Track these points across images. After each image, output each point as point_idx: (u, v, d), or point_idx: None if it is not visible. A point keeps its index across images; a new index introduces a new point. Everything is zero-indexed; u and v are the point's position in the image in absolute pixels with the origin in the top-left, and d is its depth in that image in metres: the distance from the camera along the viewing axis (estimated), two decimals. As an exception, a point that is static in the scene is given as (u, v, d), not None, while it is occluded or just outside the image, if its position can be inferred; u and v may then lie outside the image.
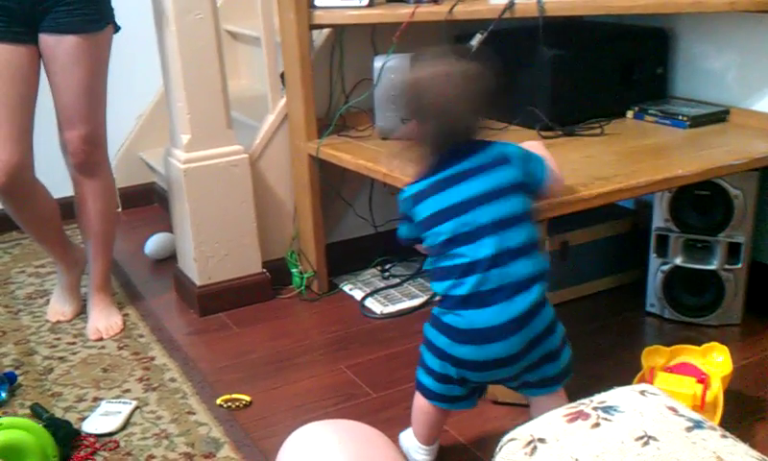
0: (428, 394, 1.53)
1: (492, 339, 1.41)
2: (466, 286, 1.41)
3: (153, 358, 2.13)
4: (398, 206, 1.53)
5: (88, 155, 2.18)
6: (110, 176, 2.31)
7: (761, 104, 2.13)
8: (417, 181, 1.49)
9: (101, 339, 2.23)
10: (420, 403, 1.56)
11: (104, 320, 2.29)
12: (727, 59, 2.22)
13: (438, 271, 1.46)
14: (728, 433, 0.92)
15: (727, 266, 2.08)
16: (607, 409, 0.94)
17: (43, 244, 2.37)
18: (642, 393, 0.98)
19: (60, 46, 2.06)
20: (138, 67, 3.00)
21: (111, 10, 2.16)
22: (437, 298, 1.49)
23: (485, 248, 1.40)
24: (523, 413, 1.66)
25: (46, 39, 2.06)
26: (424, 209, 1.47)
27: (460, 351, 1.43)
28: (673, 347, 1.78)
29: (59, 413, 1.88)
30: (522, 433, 0.96)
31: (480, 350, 1.42)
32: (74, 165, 2.20)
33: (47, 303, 2.47)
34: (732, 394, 1.72)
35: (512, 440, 0.96)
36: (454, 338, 1.43)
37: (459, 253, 1.42)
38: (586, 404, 0.97)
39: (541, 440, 0.93)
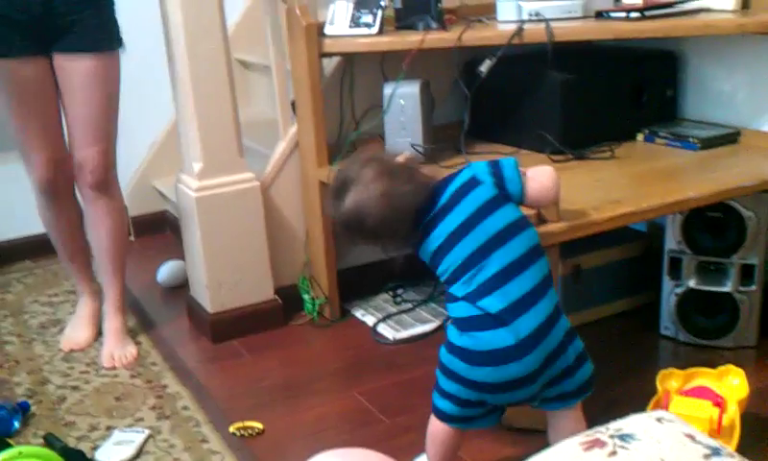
0: (444, 417, 1.52)
1: (510, 359, 1.40)
2: (475, 308, 1.41)
3: (165, 386, 2.13)
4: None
5: (107, 171, 2.22)
6: (122, 198, 2.35)
7: (772, 125, 2.13)
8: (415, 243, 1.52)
9: (114, 368, 2.24)
10: (435, 428, 1.55)
11: (119, 348, 2.29)
12: (737, 80, 2.22)
13: (450, 296, 1.47)
14: None
15: (741, 288, 2.07)
16: (624, 437, 0.94)
17: (73, 262, 2.40)
18: (659, 420, 0.97)
19: (76, 65, 2.11)
20: (151, 96, 3.02)
21: (119, 30, 2.20)
22: (448, 321, 1.49)
23: (491, 267, 1.41)
24: (538, 438, 1.65)
25: (61, 59, 2.11)
26: (430, 247, 1.50)
27: (477, 374, 1.42)
28: (688, 370, 1.76)
29: (72, 442, 1.88)
30: (538, 462, 0.95)
31: (497, 371, 1.41)
32: (91, 184, 2.22)
33: (60, 331, 2.47)
34: (748, 417, 1.70)
35: (528, 469, 0.95)
36: (470, 361, 1.42)
37: (467, 279, 1.43)
38: (602, 432, 0.96)
39: (558, 468, 0.92)
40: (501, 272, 1.41)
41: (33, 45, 2.09)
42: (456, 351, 1.44)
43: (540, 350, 1.40)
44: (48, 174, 2.22)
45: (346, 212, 1.48)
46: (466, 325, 1.42)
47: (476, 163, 1.52)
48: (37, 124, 2.16)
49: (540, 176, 1.54)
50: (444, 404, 1.50)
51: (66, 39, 2.09)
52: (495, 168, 1.50)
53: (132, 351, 2.30)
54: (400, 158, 1.55)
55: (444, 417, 1.52)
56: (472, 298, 1.41)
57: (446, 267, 1.46)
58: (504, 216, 1.45)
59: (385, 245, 1.54)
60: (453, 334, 1.45)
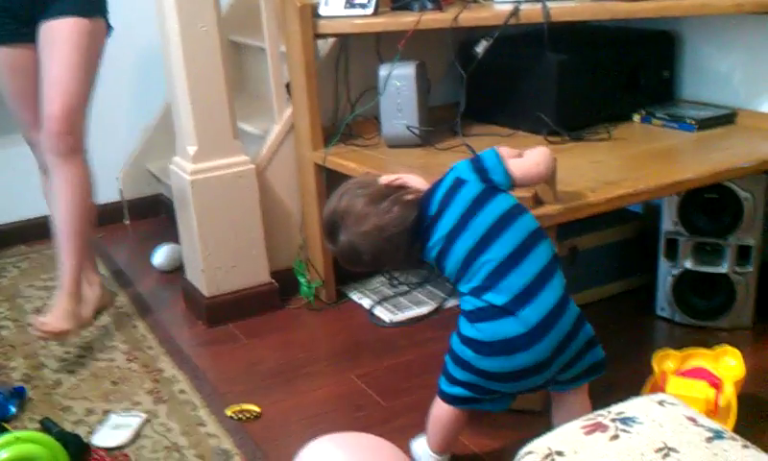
0: (453, 400, 1.51)
1: (520, 349, 1.40)
2: (481, 301, 1.41)
3: (162, 370, 2.13)
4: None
5: (62, 133, 2.13)
6: (86, 171, 2.23)
7: (769, 105, 2.13)
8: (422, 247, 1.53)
9: (42, 336, 2.13)
10: (440, 411, 1.54)
11: (53, 319, 2.14)
12: (733, 60, 2.21)
13: (459, 293, 1.48)
14: (749, 443, 0.91)
15: (737, 269, 2.07)
16: (625, 420, 0.94)
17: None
18: (661, 403, 0.97)
19: (55, 26, 2.11)
20: (144, 79, 3.00)
21: (106, 6, 2.19)
22: (447, 305, 1.50)
23: (492, 259, 1.41)
24: (537, 421, 1.66)
25: (43, 25, 2.11)
26: (431, 255, 1.52)
27: (488, 365, 1.42)
28: (684, 350, 1.77)
29: (68, 427, 1.88)
30: (539, 446, 0.95)
31: (508, 361, 1.41)
32: (48, 147, 2.15)
33: (55, 316, 2.46)
34: (744, 397, 1.70)
35: (529, 453, 0.95)
36: (480, 351, 1.42)
37: (469, 275, 1.44)
38: (603, 416, 0.96)
39: (559, 453, 0.92)
40: (502, 263, 1.40)
41: (28, 34, 2.11)
42: (467, 341, 1.43)
43: (550, 337, 1.40)
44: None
45: (341, 250, 1.53)
46: (474, 317, 1.42)
47: (458, 164, 1.53)
48: (32, 100, 2.17)
49: (531, 155, 1.55)
50: (454, 389, 1.50)
51: (50, 9, 2.10)
52: (477, 163, 1.51)
53: (64, 326, 2.13)
54: (384, 180, 1.56)
55: (452, 400, 1.51)
56: (477, 292, 1.42)
57: (450, 269, 1.47)
58: (496, 207, 1.45)
59: (387, 268, 1.57)
60: (464, 326, 1.45)
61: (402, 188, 1.55)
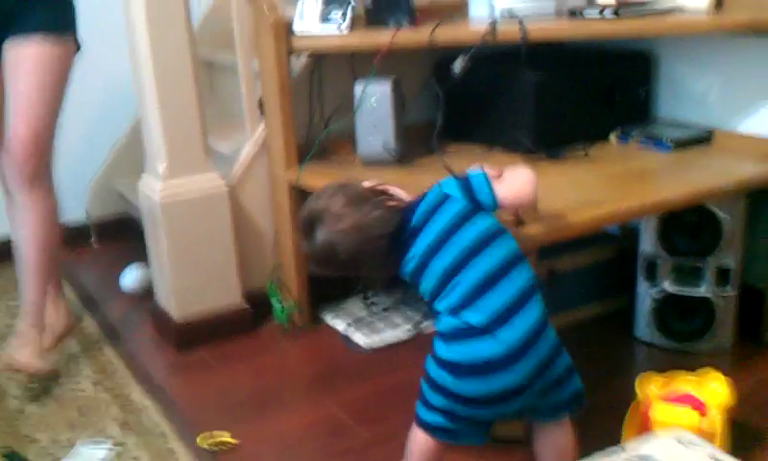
0: (430, 429, 1.47)
1: (499, 370, 1.36)
2: (459, 320, 1.37)
3: (131, 398, 2.06)
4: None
5: (27, 157, 2.04)
6: (52, 199, 2.15)
7: (745, 125, 2.12)
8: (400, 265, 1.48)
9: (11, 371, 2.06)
10: (418, 438, 1.49)
11: (18, 353, 2.07)
12: (709, 80, 2.21)
13: (434, 312, 1.43)
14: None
15: (717, 291, 2.06)
16: (643, 458, 0.89)
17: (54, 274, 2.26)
18: (680, 441, 0.92)
19: (20, 47, 2.01)
20: (113, 94, 2.93)
21: (74, 23, 2.10)
22: (423, 327, 1.46)
23: (469, 279, 1.37)
24: (522, 450, 1.62)
25: (8, 44, 2.02)
26: (407, 268, 1.47)
27: (466, 388, 1.38)
28: (667, 373, 1.74)
29: (33, 457, 1.80)
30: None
31: (486, 383, 1.37)
32: (13, 173, 2.07)
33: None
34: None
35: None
36: (458, 374, 1.38)
37: (446, 293, 1.40)
38: (618, 454, 0.91)
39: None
40: (480, 283, 1.37)
41: None
42: (444, 364, 1.39)
43: (529, 358, 1.36)
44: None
45: (317, 249, 1.46)
46: (450, 337, 1.38)
47: (445, 181, 1.50)
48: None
49: (516, 177, 1.51)
50: (431, 417, 1.45)
51: (14, 25, 2.01)
52: (464, 182, 1.48)
53: (28, 360, 2.06)
54: (366, 184, 1.52)
55: (429, 429, 1.47)
56: (454, 311, 1.38)
57: (425, 286, 1.43)
58: (477, 227, 1.42)
59: (361, 274, 1.51)
60: (440, 348, 1.41)
61: (385, 194, 1.51)
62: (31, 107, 2.03)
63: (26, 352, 2.08)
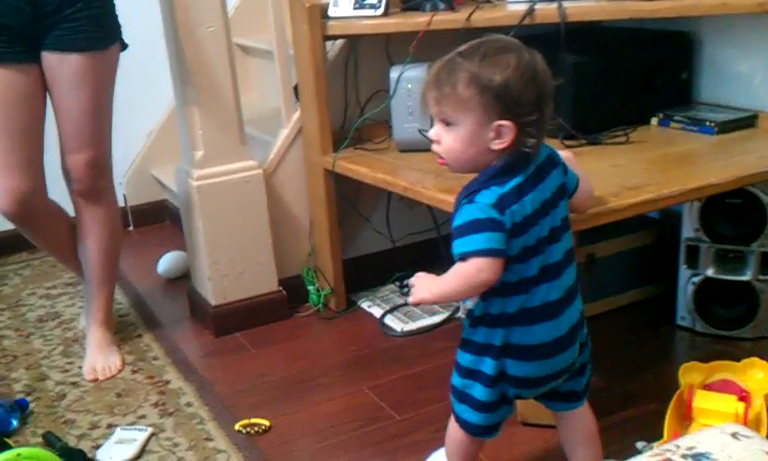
0: (476, 430, 1.42)
1: (559, 350, 1.34)
2: (537, 298, 1.31)
3: (168, 382, 2.07)
4: (471, 213, 1.27)
5: (94, 180, 2.07)
6: (115, 204, 2.20)
7: (791, 108, 2.07)
8: (505, 179, 1.28)
9: (96, 380, 2.10)
10: (459, 438, 1.45)
11: (102, 359, 2.15)
12: (753, 62, 2.15)
13: (507, 287, 1.30)
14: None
15: (761, 277, 2.01)
16: (698, 456, 0.86)
17: (66, 264, 2.31)
18: (734, 435, 0.89)
19: (63, 65, 1.96)
20: (149, 82, 2.95)
21: (118, 26, 2.07)
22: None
23: (551, 255, 1.32)
24: (553, 434, 1.60)
25: (49, 58, 1.96)
26: (520, 212, 1.27)
27: (523, 370, 1.34)
28: (711, 363, 1.70)
29: (72, 441, 1.83)
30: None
31: (545, 364, 1.34)
32: (77, 191, 2.10)
33: (59, 325, 2.42)
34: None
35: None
36: (518, 356, 1.33)
37: (531, 264, 1.30)
38: (672, 451, 0.87)
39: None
40: (556, 263, 1.32)
41: (23, 52, 1.94)
42: (500, 350, 1.33)
43: (577, 340, 1.37)
44: (11, 207, 2.00)
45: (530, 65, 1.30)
46: (525, 317, 1.31)
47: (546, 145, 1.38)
48: (12, 141, 1.96)
49: (587, 183, 1.45)
50: (476, 416, 1.39)
51: (55, 37, 1.94)
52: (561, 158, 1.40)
53: (115, 361, 2.16)
54: None
55: (474, 430, 1.42)
56: (532, 285, 1.30)
57: (536, 233, 1.30)
58: (562, 210, 1.36)
59: (527, 131, 1.28)
60: (495, 332, 1.33)
61: None
62: (88, 133, 2.02)
63: (117, 360, 2.17)
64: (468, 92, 1.26)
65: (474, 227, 1.26)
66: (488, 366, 1.35)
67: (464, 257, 1.26)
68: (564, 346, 1.35)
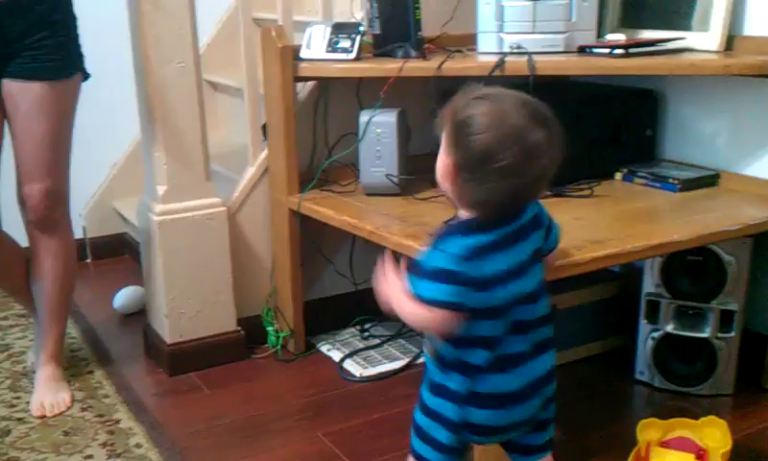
0: None
1: (519, 401, 1.31)
2: (502, 349, 1.29)
3: (118, 421, 2.01)
4: (436, 260, 1.23)
5: (50, 210, 2.02)
6: (71, 236, 2.15)
7: (752, 168, 2.10)
8: (474, 233, 1.25)
9: (43, 416, 2.03)
10: None
11: (51, 396, 2.08)
12: (717, 122, 2.19)
13: (473, 338, 1.28)
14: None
15: (719, 334, 2.02)
16: None
17: (18, 297, 2.25)
18: None
19: (25, 94, 1.93)
20: (115, 113, 2.92)
21: (81, 56, 2.04)
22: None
23: (524, 314, 1.30)
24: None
25: (9, 86, 1.93)
26: (492, 265, 1.24)
27: (484, 417, 1.32)
28: (669, 420, 1.70)
29: (14, 480, 1.76)
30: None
31: (504, 414, 1.32)
32: (33, 222, 2.04)
33: (8, 358, 2.34)
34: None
35: None
36: (480, 405, 1.31)
37: (497, 323, 1.29)
38: None
39: None
40: (531, 321, 1.31)
41: None
42: (461, 396, 1.30)
43: (542, 394, 1.34)
44: None
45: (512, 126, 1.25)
46: (491, 366, 1.29)
47: (539, 203, 1.36)
48: None
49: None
50: (437, 458, 1.36)
51: (18, 64, 1.91)
52: (550, 221, 1.37)
53: (65, 398, 2.09)
54: None
55: None
56: (499, 340, 1.29)
57: (485, 300, 1.26)
58: (539, 271, 1.33)
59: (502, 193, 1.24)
60: (461, 379, 1.30)
61: None
62: (46, 162, 1.98)
63: (66, 396, 2.10)
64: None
65: (431, 274, 1.24)
66: (452, 412, 1.33)
67: (420, 299, 1.24)
68: (524, 398, 1.32)
